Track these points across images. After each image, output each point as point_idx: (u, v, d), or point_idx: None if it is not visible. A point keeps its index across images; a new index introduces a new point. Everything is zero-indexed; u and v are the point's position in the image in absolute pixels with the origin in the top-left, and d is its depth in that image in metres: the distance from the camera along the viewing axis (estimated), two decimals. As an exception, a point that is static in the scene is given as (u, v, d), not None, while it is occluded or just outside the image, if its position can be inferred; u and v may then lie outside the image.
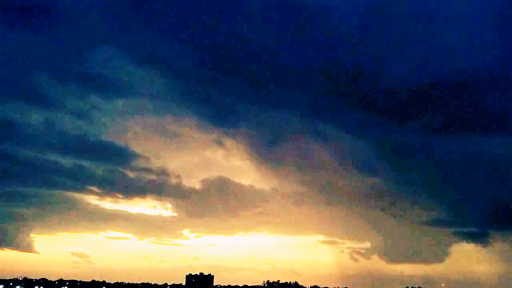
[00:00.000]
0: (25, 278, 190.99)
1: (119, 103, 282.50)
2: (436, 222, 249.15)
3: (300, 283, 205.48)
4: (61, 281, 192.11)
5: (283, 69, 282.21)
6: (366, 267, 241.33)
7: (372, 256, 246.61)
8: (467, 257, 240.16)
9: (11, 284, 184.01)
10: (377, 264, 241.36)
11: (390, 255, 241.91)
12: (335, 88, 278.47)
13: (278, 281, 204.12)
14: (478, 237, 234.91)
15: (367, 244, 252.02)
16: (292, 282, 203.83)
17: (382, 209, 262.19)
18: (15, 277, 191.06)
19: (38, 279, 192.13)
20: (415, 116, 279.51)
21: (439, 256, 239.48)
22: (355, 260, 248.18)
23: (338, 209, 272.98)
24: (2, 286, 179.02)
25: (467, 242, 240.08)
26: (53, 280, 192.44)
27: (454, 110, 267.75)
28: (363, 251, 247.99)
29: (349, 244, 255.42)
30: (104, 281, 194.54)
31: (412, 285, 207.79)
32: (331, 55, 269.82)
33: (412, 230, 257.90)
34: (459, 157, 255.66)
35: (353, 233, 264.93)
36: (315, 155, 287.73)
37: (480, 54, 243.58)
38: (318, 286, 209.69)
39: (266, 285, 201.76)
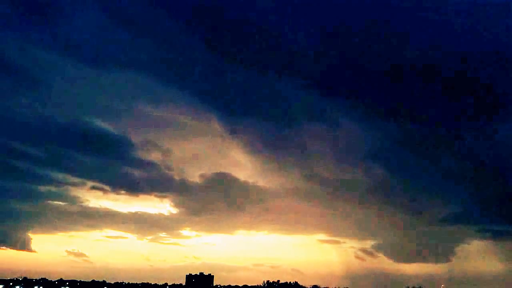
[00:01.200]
0: (25, 278, 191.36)
1: (115, 88, 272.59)
2: (448, 219, 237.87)
3: (302, 283, 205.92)
4: (61, 281, 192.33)
5: (289, 54, 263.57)
6: (370, 267, 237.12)
7: (377, 256, 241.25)
8: (483, 255, 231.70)
9: (11, 284, 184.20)
10: (382, 263, 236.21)
11: (397, 254, 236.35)
12: (344, 70, 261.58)
13: (278, 281, 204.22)
14: (495, 234, 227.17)
15: (371, 243, 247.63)
16: (292, 282, 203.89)
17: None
18: (14, 276, 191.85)
19: (38, 279, 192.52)
20: (429, 103, 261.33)
21: (449, 255, 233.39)
22: (358, 259, 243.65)
23: (341, 205, 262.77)
24: (2, 286, 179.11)
25: (485, 239, 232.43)
26: (53, 280, 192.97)
27: (471, 96, 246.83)
28: (368, 250, 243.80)
29: (351, 243, 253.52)
30: (104, 281, 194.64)
31: (419, 285, 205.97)
32: (339, 35, 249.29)
33: (422, 227, 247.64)
34: (475, 148, 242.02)
35: (356, 231, 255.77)
36: (320, 148, 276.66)
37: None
38: (318, 286, 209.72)
39: (266, 285, 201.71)
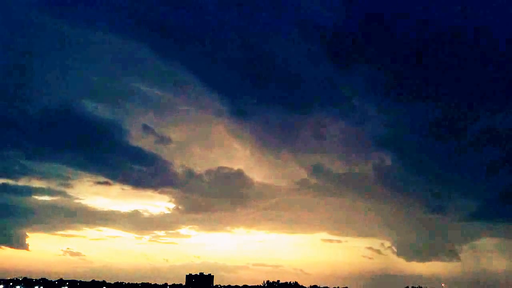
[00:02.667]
0: (25, 278, 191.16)
1: (113, 75, 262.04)
2: (459, 215, 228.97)
3: (305, 284, 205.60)
4: (61, 281, 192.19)
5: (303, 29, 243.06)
6: (379, 267, 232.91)
7: (386, 255, 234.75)
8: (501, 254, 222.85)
9: (11, 284, 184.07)
10: (393, 263, 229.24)
11: (410, 254, 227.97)
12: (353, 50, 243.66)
13: (278, 281, 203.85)
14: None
15: (379, 242, 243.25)
16: (292, 282, 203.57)
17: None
18: (10, 275, 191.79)
19: (38, 279, 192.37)
20: (447, 86, 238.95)
21: (458, 254, 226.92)
22: (367, 258, 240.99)
23: (347, 201, 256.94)
24: (2, 286, 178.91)
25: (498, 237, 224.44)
26: (53, 280, 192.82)
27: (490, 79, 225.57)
28: (376, 249, 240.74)
29: (359, 242, 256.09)
30: (104, 281, 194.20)
31: (429, 285, 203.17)
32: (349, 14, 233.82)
33: (437, 225, 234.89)
34: (496, 137, 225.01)
35: (361, 229, 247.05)
36: (328, 137, 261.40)
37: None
38: (318, 286, 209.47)
39: (266, 285, 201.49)
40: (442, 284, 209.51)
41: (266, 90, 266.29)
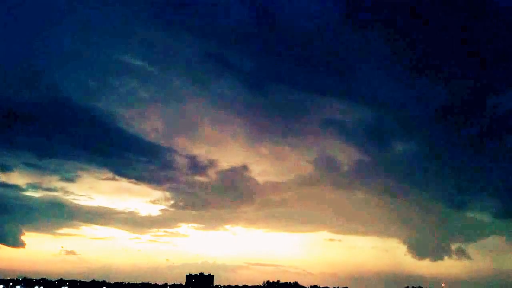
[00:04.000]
0: (25, 278, 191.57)
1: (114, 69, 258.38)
2: (473, 212, 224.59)
3: (308, 283, 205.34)
4: (61, 281, 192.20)
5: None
6: (382, 266, 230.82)
7: (391, 254, 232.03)
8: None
9: (11, 284, 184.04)
10: (396, 262, 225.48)
11: (415, 252, 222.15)
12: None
13: (278, 281, 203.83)
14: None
15: (386, 241, 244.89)
16: (292, 282, 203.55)
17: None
18: (9, 275, 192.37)
19: (38, 279, 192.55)
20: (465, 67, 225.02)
21: (468, 252, 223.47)
22: (371, 257, 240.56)
23: (349, 197, 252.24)
24: (2, 286, 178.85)
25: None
26: (53, 279, 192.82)
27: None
28: (382, 248, 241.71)
29: (359, 241, 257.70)
30: (104, 281, 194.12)
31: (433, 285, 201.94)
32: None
33: (452, 222, 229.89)
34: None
35: (367, 227, 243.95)
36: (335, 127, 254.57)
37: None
38: (318, 286, 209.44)
39: (266, 285, 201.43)
40: (442, 284, 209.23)
41: (268, 71, 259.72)
